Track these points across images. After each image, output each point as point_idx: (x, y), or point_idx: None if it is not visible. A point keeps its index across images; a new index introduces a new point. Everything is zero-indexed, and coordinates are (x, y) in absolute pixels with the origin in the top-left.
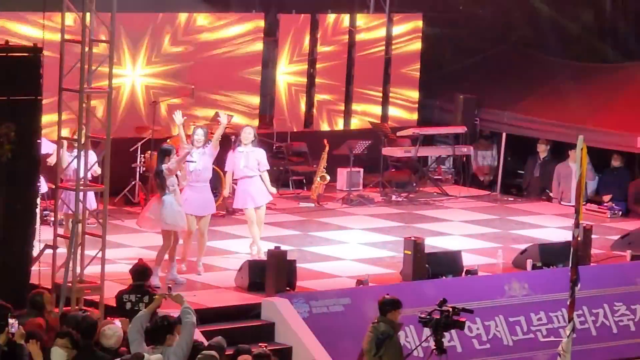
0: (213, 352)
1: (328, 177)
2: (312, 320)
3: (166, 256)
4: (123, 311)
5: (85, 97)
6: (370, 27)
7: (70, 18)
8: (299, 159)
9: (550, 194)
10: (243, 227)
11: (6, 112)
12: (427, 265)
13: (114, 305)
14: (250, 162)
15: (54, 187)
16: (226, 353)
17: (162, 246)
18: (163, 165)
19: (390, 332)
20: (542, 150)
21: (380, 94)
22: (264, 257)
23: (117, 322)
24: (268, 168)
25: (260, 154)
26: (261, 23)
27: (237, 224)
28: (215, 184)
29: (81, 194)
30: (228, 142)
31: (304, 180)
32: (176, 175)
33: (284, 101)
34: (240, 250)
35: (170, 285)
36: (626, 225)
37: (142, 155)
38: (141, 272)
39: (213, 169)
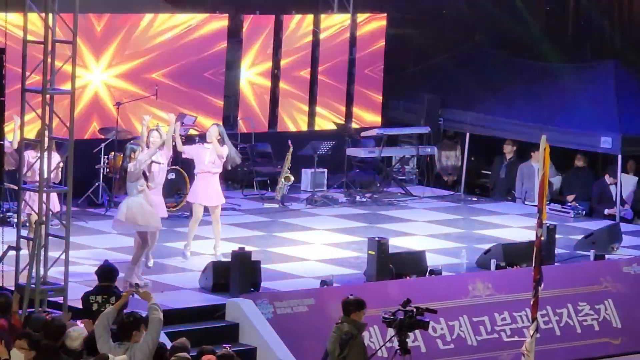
0: (187, 355)
1: (292, 178)
2: (276, 321)
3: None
4: (89, 312)
5: (48, 98)
6: (334, 28)
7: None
8: (263, 160)
9: (515, 195)
10: (207, 228)
11: None
12: (391, 266)
13: (79, 306)
14: (215, 159)
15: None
16: (190, 354)
17: (140, 247)
18: (129, 165)
19: (354, 332)
20: (509, 151)
21: (344, 95)
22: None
23: (80, 324)
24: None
25: (225, 152)
26: (225, 24)
27: (201, 224)
28: (180, 185)
29: (44, 195)
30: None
31: (268, 181)
32: (145, 175)
33: (248, 102)
34: (205, 252)
35: (137, 282)
36: (590, 225)
37: (106, 157)
38: (107, 272)
39: (177, 170)
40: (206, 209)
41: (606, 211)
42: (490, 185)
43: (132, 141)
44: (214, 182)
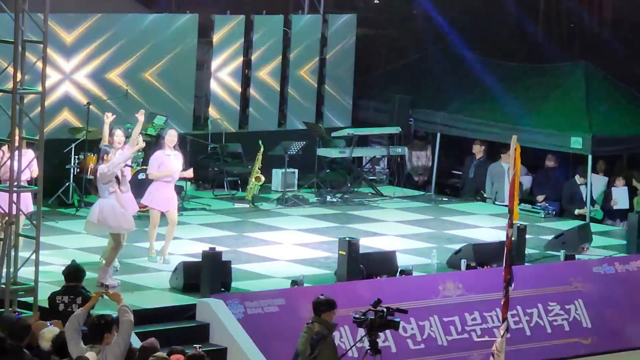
0: (164, 355)
1: (263, 178)
2: (246, 321)
3: None
4: (56, 312)
5: (18, 98)
6: (304, 28)
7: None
8: (233, 160)
9: (485, 195)
10: (178, 228)
11: None
12: (361, 266)
13: (47, 306)
14: (177, 166)
15: None
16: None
17: (113, 248)
18: (102, 166)
19: (325, 332)
20: (478, 151)
21: (315, 95)
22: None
23: (50, 324)
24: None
25: (181, 158)
26: (196, 24)
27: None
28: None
29: (15, 195)
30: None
31: (239, 181)
32: (117, 178)
33: (219, 102)
34: (175, 252)
35: (107, 284)
36: (560, 225)
37: (76, 157)
38: (74, 273)
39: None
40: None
41: (576, 211)
42: (460, 185)
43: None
44: (172, 188)
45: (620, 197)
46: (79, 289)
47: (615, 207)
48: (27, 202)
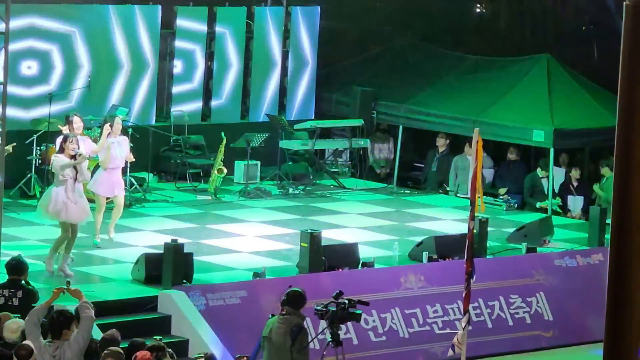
0: (119, 349)
1: (225, 170)
2: (208, 313)
3: None
4: None
5: None
6: (267, 20)
7: None
8: (196, 152)
9: (448, 188)
10: (140, 220)
11: None
12: (323, 258)
13: None
14: (121, 152)
15: None
16: (120, 346)
17: (59, 236)
18: (54, 155)
19: (302, 324)
20: (441, 144)
21: (278, 87)
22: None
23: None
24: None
25: (127, 144)
26: (158, 15)
27: (134, 216)
28: None
29: None
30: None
31: (201, 173)
32: (75, 168)
33: (182, 94)
34: (137, 243)
35: (69, 280)
36: (522, 218)
37: (38, 148)
38: (15, 266)
39: None
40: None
41: (538, 204)
42: (422, 177)
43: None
44: (118, 174)
45: (575, 206)
46: (20, 282)
47: (572, 215)
48: None
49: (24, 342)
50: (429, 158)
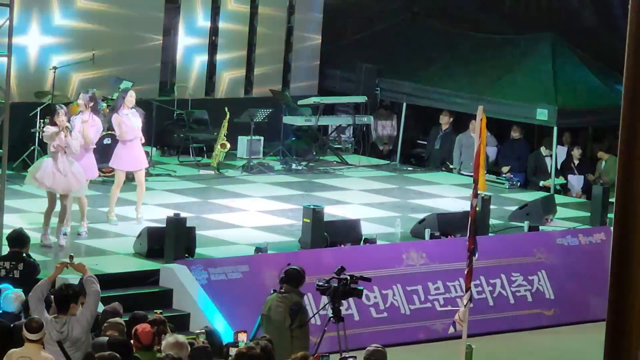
0: (120, 320)
1: (228, 145)
2: (210, 287)
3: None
4: None
5: None
6: None
7: None
8: (199, 127)
9: (451, 166)
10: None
11: None
12: (325, 234)
13: None
14: (137, 122)
15: None
16: (123, 319)
17: (46, 208)
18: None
19: (301, 302)
20: (445, 122)
21: (282, 62)
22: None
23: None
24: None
25: (138, 115)
26: None
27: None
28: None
29: None
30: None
31: (205, 148)
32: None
33: (185, 68)
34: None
35: (72, 254)
36: (524, 197)
37: (42, 121)
38: (16, 238)
39: (113, 136)
40: (129, 173)
41: (541, 183)
42: (425, 155)
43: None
44: (139, 146)
45: (575, 184)
46: (22, 255)
47: (572, 194)
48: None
49: (34, 316)
50: (432, 136)
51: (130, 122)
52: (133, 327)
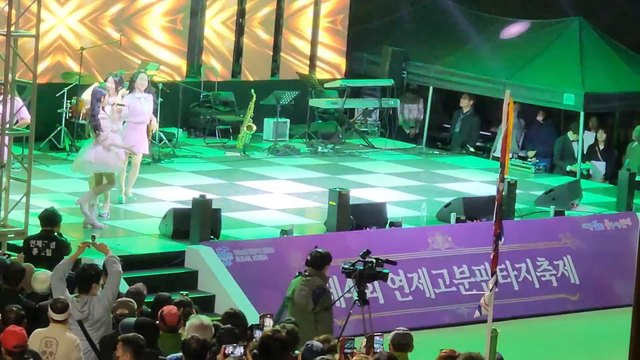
0: (130, 299)
1: (254, 127)
2: (235, 269)
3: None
4: (30, 257)
5: (12, 41)
6: None
7: None
8: (225, 108)
9: (471, 149)
10: (169, 175)
11: None
12: (351, 217)
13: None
14: (148, 108)
15: None
16: (146, 300)
17: (95, 188)
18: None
19: (325, 286)
20: (465, 105)
21: (309, 45)
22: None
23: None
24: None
25: (152, 101)
26: None
27: (162, 171)
28: None
29: (6, 138)
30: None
31: (231, 130)
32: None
33: (212, 50)
34: (166, 198)
35: (94, 235)
36: (550, 181)
37: (68, 101)
38: (49, 218)
39: None
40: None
41: (569, 168)
42: (447, 138)
43: (98, 87)
44: (144, 130)
45: (597, 170)
46: (53, 234)
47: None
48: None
49: (60, 297)
50: (454, 119)
51: (140, 105)
52: (158, 308)
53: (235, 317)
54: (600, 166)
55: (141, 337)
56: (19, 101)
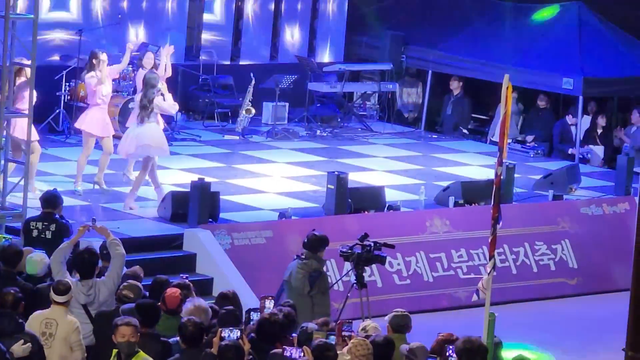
0: (137, 283)
1: (253, 111)
2: (233, 252)
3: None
4: (29, 238)
5: (10, 23)
6: None
7: None
8: (224, 92)
9: (464, 131)
10: (168, 158)
11: None
12: (349, 200)
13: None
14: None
15: None
16: (143, 283)
17: (142, 172)
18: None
19: (321, 269)
20: (455, 87)
21: (308, 29)
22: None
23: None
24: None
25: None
26: None
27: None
28: None
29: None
30: None
31: (230, 113)
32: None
33: (211, 33)
34: (164, 181)
35: (94, 217)
36: (549, 165)
37: (67, 84)
38: (49, 199)
39: None
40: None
41: (570, 150)
42: (439, 121)
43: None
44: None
45: (594, 158)
46: (53, 216)
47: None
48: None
49: (63, 279)
50: (445, 102)
51: None
52: (156, 291)
53: (227, 299)
54: (598, 150)
55: (133, 319)
56: None
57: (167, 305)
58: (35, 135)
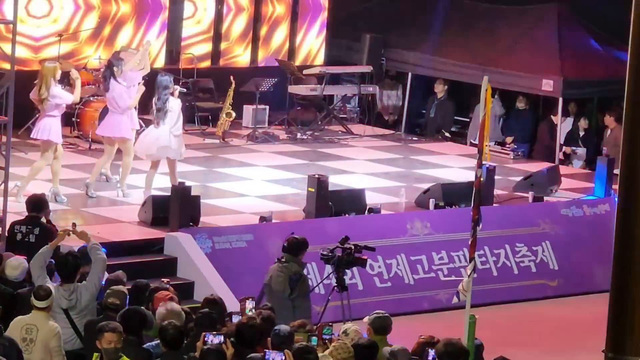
0: (123, 288)
1: (234, 114)
2: (214, 256)
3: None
4: (13, 242)
5: None
6: None
7: None
8: (205, 96)
9: (447, 134)
10: (148, 162)
11: None
12: (330, 203)
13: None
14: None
15: None
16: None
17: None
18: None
19: (302, 272)
20: (440, 90)
21: (287, 32)
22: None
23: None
24: None
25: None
26: None
27: (141, 159)
28: None
29: None
30: None
31: (210, 117)
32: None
33: (190, 37)
34: (144, 185)
35: (74, 222)
36: (529, 167)
37: None
38: (35, 203)
39: None
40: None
41: (563, 149)
42: (423, 124)
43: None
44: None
45: (579, 156)
46: (38, 220)
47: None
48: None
49: (43, 284)
50: (429, 104)
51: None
52: (136, 295)
53: (214, 304)
54: (581, 152)
55: (118, 324)
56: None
57: (155, 308)
58: (58, 139)
